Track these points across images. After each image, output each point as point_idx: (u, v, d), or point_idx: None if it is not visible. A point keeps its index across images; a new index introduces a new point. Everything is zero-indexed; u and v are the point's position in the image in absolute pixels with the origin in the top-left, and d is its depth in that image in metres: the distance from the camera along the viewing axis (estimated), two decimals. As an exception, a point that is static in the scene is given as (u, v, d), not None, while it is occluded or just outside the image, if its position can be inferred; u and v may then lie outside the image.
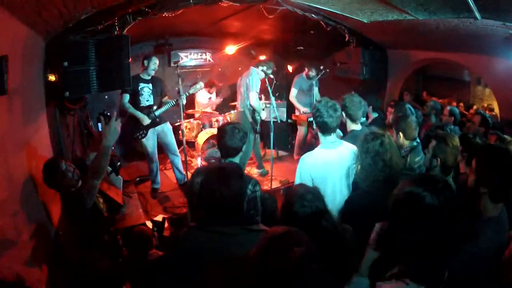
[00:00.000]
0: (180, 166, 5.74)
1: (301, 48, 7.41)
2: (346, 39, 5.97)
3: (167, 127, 5.56)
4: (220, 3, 4.52)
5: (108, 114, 3.11)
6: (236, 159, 2.79)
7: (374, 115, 4.95)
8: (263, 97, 6.49)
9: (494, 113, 7.01)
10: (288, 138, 8.03)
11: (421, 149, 3.24)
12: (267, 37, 7.42)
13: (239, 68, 7.36)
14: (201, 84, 5.75)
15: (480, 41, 4.34)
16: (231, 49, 7.43)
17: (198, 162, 6.55)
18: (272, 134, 5.41)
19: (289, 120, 7.54)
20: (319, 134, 2.98)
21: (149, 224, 4.09)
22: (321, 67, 6.53)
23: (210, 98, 7.50)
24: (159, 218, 4.19)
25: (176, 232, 3.57)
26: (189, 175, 5.24)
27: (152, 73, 5.25)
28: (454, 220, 1.50)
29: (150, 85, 5.27)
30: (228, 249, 1.69)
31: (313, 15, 5.24)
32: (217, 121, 6.78)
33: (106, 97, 6.61)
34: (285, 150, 7.78)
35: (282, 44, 7.62)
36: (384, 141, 2.44)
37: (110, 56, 4.06)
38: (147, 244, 3.18)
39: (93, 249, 2.74)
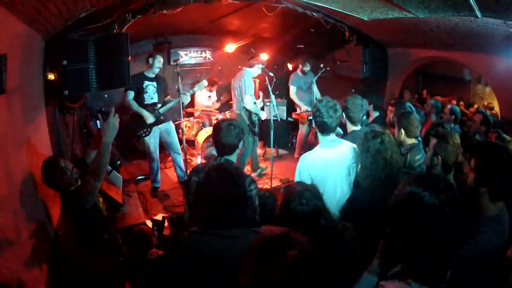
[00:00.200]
0: (182, 164, 5.74)
1: (301, 46, 7.40)
2: (346, 37, 5.96)
3: (170, 126, 5.56)
4: (220, 1, 4.51)
5: (105, 111, 3.11)
6: (233, 157, 2.72)
7: (375, 114, 4.93)
8: (261, 94, 6.45)
9: (494, 112, 6.99)
10: (288, 137, 8.04)
11: (422, 148, 3.23)
12: (267, 35, 7.40)
13: (239, 66, 7.32)
14: (205, 82, 5.83)
15: (480, 40, 4.33)
16: (231, 47, 7.42)
17: (198, 160, 6.55)
18: (272, 132, 5.40)
19: (289, 119, 7.53)
20: (318, 134, 2.96)
21: (149, 223, 4.08)
22: (321, 65, 6.52)
23: (210, 96, 7.49)
24: (159, 217, 4.17)
25: (176, 232, 3.56)
26: (189, 174, 5.23)
27: (157, 71, 5.27)
28: (455, 220, 1.50)
29: (155, 83, 5.29)
30: (231, 252, 1.66)
31: (313, 13, 5.24)
32: (217, 119, 6.77)
33: (106, 95, 6.61)
34: (285, 148, 7.78)
35: (282, 42, 7.61)
36: (385, 139, 2.45)
37: (109, 55, 4.05)
38: (147, 243, 3.17)
39: (93, 249, 2.73)
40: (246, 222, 1.80)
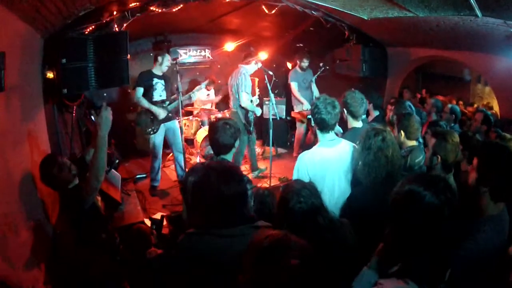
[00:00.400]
0: (183, 163, 5.75)
1: (301, 45, 7.39)
2: (346, 36, 5.95)
3: (175, 124, 5.58)
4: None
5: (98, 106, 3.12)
6: (229, 156, 2.73)
7: (375, 113, 4.92)
8: (257, 91, 6.44)
9: (494, 111, 6.99)
10: (287, 136, 8.04)
11: (422, 149, 3.19)
12: (266, 34, 7.39)
13: (239, 65, 7.34)
14: (206, 82, 6.15)
15: (480, 39, 4.33)
16: (230, 46, 7.41)
17: (197, 159, 6.54)
18: (271, 131, 5.39)
19: (288, 118, 7.53)
20: (317, 132, 2.93)
21: (148, 222, 4.08)
22: (321, 64, 6.51)
23: (208, 95, 7.49)
24: (157, 216, 4.17)
25: (175, 231, 3.55)
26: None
27: (165, 69, 5.32)
28: (455, 220, 1.49)
29: (163, 81, 5.34)
30: (231, 251, 1.65)
31: (312, 11, 5.23)
32: (216, 118, 6.75)
33: (105, 94, 6.59)
34: (284, 147, 7.78)
35: (281, 41, 7.60)
36: (386, 137, 2.44)
37: (108, 53, 4.04)
38: (146, 242, 3.17)
39: (92, 248, 2.72)
40: (244, 219, 1.80)
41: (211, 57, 7.94)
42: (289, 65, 7.83)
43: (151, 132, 5.27)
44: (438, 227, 1.47)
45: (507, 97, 4.87)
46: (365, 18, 4.82)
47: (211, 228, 1.75)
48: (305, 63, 6.68)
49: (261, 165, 6.47)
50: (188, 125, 6.90)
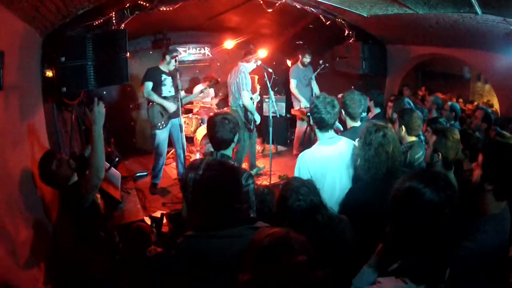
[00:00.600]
0: (184, 161, 5.75)
1: (301, 42, 7.38)
2: (346, 33, 5.94)
3: (181, 121, 5.57)
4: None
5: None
6: (229, 152, 2.70)
7: (376, 110, 4.90)
8: (258, 87, 6.42)
9: (494, 109, 6.99)
10: (287, 133, 8.03)
11: (423, 146, 3.20)
12: (266, 32, 7.38)
13: (238, 63, 7.33)
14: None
15: (480, 37, 4.31)
16: (230, 43, 7.38)
17: (197, 157, 6.53)
18: (271, 129, 5.39)
19: (288, 115, 7.52)
20: (316, 131, 2.94)
21: (148, 220, 4.08)
22: (320, 62, 6.50)
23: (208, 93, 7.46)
24: (157, 214, 4.18)
25: (174, 229, 3.55)
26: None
27: (173, 68, 5.33)
28: (456, 219, 1.49)
29: (170, 78, 5.38)
30: (231, 252, 1.65)
31: (312, 9, 5.22)
32: (214, 113, 6.73)
33: (105, 92, 6.58)
34: (284, 145, 7.78)
35: (281, 38, 7.58)
36: (387, 133, 2.44)
37: (107, 51, 4.04)
38: (146, 240, 3.17)
39: (90, 246, 2.72)
40: (244, 219, 1.79)
41: (210, 55, 7.91)
42: (288, 62, 7.80)
43: (160, 127, 5.30)
44: (438, 225, 1.46)
45: (507, 95, 4.86)
46: (365, 15, 4.81)
47: (210, 229, 1.74)
48: (307, 59, 6.68)
49: (261, 163, 6.47)
50: (188, 123, 6.89)
